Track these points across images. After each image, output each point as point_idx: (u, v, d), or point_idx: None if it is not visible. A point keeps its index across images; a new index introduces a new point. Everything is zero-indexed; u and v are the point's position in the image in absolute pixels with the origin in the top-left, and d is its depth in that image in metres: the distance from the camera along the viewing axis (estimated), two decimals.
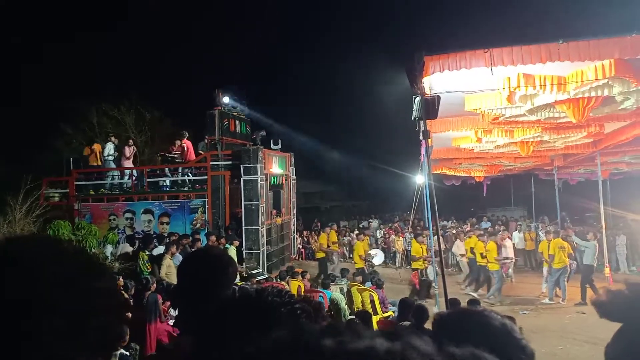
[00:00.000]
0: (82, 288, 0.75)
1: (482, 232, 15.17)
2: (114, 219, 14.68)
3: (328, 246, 14.89)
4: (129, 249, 11.93)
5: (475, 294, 12.68)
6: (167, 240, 11.58)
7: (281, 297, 0.99)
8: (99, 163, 15.43)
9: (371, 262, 14.33)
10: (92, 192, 15.30)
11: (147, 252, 11.03)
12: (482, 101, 8.85)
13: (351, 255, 18.12)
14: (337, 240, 15.88)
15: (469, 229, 18.59)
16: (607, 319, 1.15)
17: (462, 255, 14.77)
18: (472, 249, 13.95)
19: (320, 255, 14.87)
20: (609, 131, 11.84)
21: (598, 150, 13.88)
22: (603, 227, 14.43)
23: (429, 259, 12.68)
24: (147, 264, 10.33)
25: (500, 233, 14.83)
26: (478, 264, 13.35)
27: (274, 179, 15.35)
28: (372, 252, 15.11)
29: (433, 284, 11.89)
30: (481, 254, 13.21)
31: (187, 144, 15.19)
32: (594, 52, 6.70)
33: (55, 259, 0.77)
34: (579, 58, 6.75)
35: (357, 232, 16.28)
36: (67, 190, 15.22)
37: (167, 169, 15.45)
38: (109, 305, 0.79)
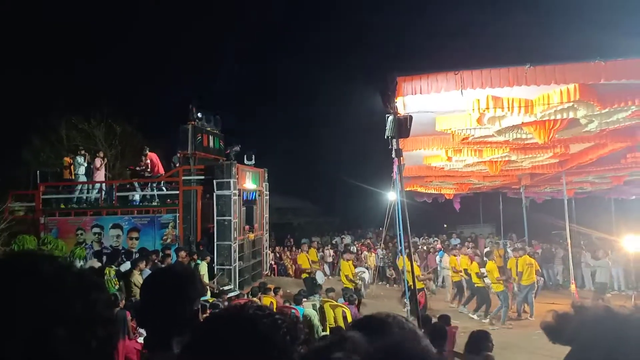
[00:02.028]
0: (90, 300, 0.79)
1: (476, 252, 15.20)
2: (82, 234, 14.34)
3: (310, 265, 14.58)
4: (96, 264, 11.68)
5: (474, 316, 12.72)
6: (135, 257, 11.39)
7: (262, 310, 1.03)
8: (72, 177, 15.10)
9: (361, 282, 14.14)
10: (63, 206, 14.92)
11: (114, 268, 10.82)
12: (452, 122, 9.07)
13: (332, 272, 18.09)
14: (317, 259, 15.65)
15: (439, 246, 18.86)
16: (555, 342, 1.14)
17: (456, 271, 14.44)
18: (466, 270, 13.71)
19: (304, 275, 14.53)
20: (574, 152, 12.24)
21: (563, 170, 14.31)
22: (569, 245, 14.83)
23: (428, 277, 12.64)
24: (113, 280, 10.12)
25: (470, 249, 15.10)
26: (476, 285, 13.08)
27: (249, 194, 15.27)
28: (359, 270, 14.96)
29: (405, 300, 11.89)
30: (477, 274, 12.98)
31: (151, 156, 14.91)
32: (560, 76, 6.95)
33: (65, 272, 0.81)
34: (545, 82, 6.99)
35: (343, 250, 16.11)
36: (34, 204, 14.83)
37: (136, 184, 15.22)
38: (110, 316, 0.82)
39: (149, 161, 14.75)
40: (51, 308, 0.74)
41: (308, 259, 14.71)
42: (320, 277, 14.05)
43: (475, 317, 12.66)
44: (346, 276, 13.33)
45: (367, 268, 18.96)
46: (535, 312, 12.37)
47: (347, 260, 13.88)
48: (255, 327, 0.98)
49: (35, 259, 0.82)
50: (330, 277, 16.96)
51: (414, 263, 12.69)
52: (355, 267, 14.97)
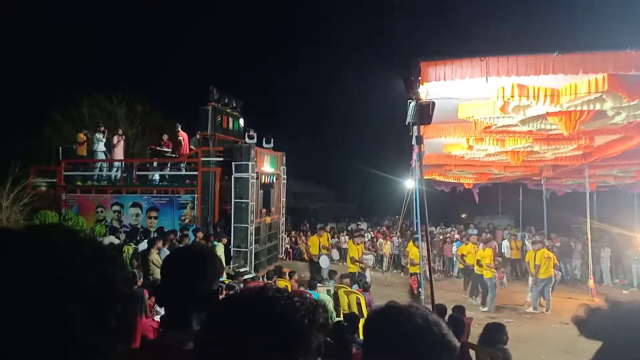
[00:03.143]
0: (108, 275, 0.76)
1: (479, 239, 15.25)
2: (102, 211, 14.54)
3: (320, 250, 14.67)
4: (114, 241, 11.82)
5: (482, 307, 12.65)
6: (153, 235, 11.52)
7: (281, 293, 1.04)
8: (85, 154, 15.29)
9: (364, 267, 14.18)
10: (79, 183, 15.11)
11: (133, 246, 10.95)
12: (475, 109, 8.91)
13: (339, 258, 18.13)
14: (327, 244, 15.71)
15: (457, 236, 18.74)
16: (587, 337, 1.11)
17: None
18: (462, 255, 13.99)
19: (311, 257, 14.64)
20: (598, 144, 11.98)
21: (587, 163, 14.02)
22: (589, 240, 14.60)
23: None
24: (131, 257, 10.25)
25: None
26: (475, 272, 13.14)
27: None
28: (367, 257, 15.04)
29: (420, 289, 11.90)
30: (478, 261, 12.99)
31: (183, 135, 15.12)
32: (588, 65, 6.77)
33: (82, 245, 0.78)
34: (573, 71, 6.81)
35: (353, 235, 16.27)
36: (55, 180, 15.06)
37: (156, 163, 15.36)
38: (129, 293, 0.79)
39: (180, 138, 14.91)
40: (67, 283, 0.71)
41: (319, 243, 14.75)
42: (323, 262, 14.13)
43: (484, 309, 12.57)
44: (351, 258, 13.45)
45: (382, 255, 18.98)
46: (552, 306, 12.24)
47: (357, 244, 13.96)
48: (273, 308, 0.97)
49: (53, 231, 0.79)
50: (342, 262, 16.98)
51: (416, 249, 12.73)
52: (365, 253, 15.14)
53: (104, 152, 15.33)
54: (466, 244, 14.88)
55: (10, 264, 0.69)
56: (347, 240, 20.44)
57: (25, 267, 0.70)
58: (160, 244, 10.31)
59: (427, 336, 1.11)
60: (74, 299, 0.70)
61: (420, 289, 12.26)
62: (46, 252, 0.72)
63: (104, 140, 15.32)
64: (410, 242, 14.35)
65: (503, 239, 18.15)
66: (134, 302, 0.82)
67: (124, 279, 0.80)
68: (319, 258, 14.28)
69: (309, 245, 15.46)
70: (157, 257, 9.73)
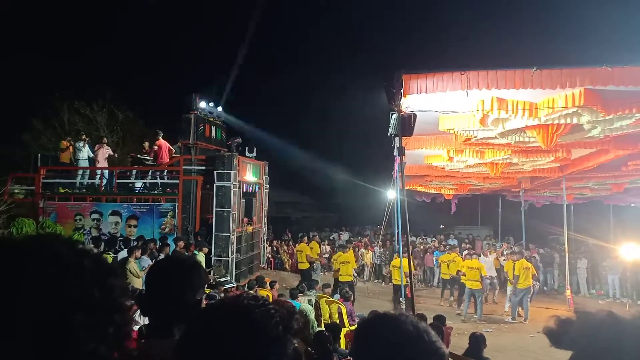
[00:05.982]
0: (107, 286, 0.79)
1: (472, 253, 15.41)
2: (80, 219, 14.31)
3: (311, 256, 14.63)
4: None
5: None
6: (133, 244, 11.38)
7: (256, 300, 1.06)
8: (69, 161, 15.06)
9: (357, 276, 14.29)
10: (62, 190, 14.84)
11: (112, 255, 10.80)
12: (455, 122, 9.05)
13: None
14: (320, 252, 15.70)
15: (436, 245, 18.92)
16: (557, 347, 1.14)
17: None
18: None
19: (304, 266, 14.38)
20: (575, 157, 12.24)
21: (564, 175, 14.30)
22: (566, 250, 14.85)
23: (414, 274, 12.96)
24: None
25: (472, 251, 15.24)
26: (462, 281, 13.40)
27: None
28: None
29: (401, 299, 11.95)
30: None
31: (161, 143, 14.89)
32: (565, 80, 6.94)
33: (83, 257, 0.80)
34: (551, 85, 6.98)
35: (345, 247, 16.14)
36: (34, 187, 14.79)
37: (135, 171, 15.19)
38: (126, 303, 0.82)
39: (156, 147, 14.69)
40: (69, 293, 0.73)
41: (311, 250, 14.65)
42: (317, 268, 14.30)
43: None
44: (354, 269, 13.63)
45: (364, 265, 19.00)
46: (530, 316, 12.40)
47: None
48: (248, 315, 1.00)
49: (54, 243, 0.81)
50: (324, 272, 16.96)
51: (404, 260, 12.86)
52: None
53: (86, 160, 15.11)
54: (449, 253, 15.14)
55: (14, 275, 0.71)
56: (328, 250, 20.44)
57: (29, 278, 0.72)
58: (138, 253, 10.20)
59: (419, 343, 1.13)
60: (75, 309, 0.72)
61: (401, 299, 12.33)
62: (49, 264, 0.74)
63: (86, 148, 15.10)
64: (396, 258, 14.42)
65: (482, 249, 18.32)
66: (129, 312, 0.84)
67: (122, 289, 0.82)
68: (312, 265, 14.29)
69: (306, 254, 15.02)
70: (135, 266, 9.62)
